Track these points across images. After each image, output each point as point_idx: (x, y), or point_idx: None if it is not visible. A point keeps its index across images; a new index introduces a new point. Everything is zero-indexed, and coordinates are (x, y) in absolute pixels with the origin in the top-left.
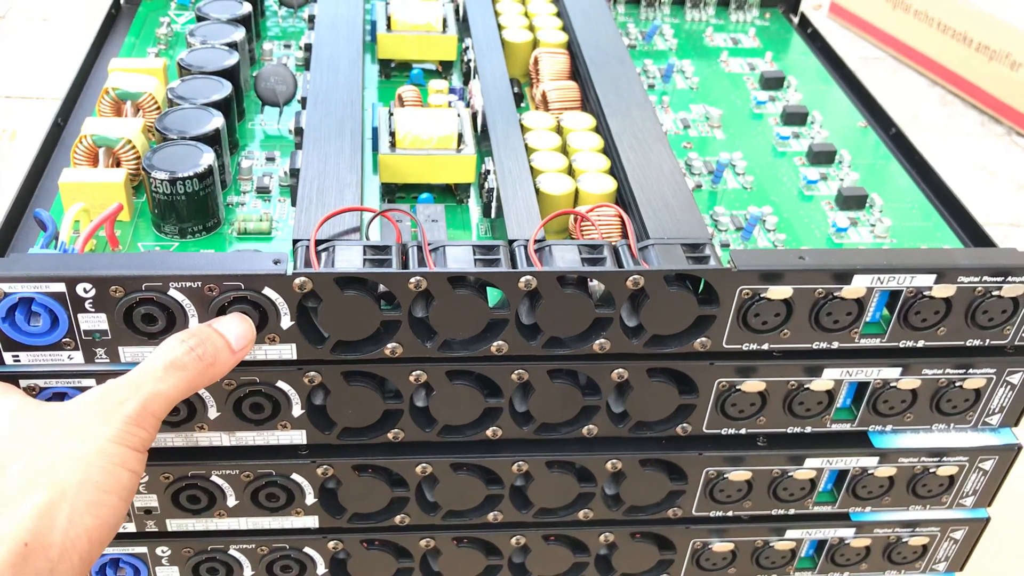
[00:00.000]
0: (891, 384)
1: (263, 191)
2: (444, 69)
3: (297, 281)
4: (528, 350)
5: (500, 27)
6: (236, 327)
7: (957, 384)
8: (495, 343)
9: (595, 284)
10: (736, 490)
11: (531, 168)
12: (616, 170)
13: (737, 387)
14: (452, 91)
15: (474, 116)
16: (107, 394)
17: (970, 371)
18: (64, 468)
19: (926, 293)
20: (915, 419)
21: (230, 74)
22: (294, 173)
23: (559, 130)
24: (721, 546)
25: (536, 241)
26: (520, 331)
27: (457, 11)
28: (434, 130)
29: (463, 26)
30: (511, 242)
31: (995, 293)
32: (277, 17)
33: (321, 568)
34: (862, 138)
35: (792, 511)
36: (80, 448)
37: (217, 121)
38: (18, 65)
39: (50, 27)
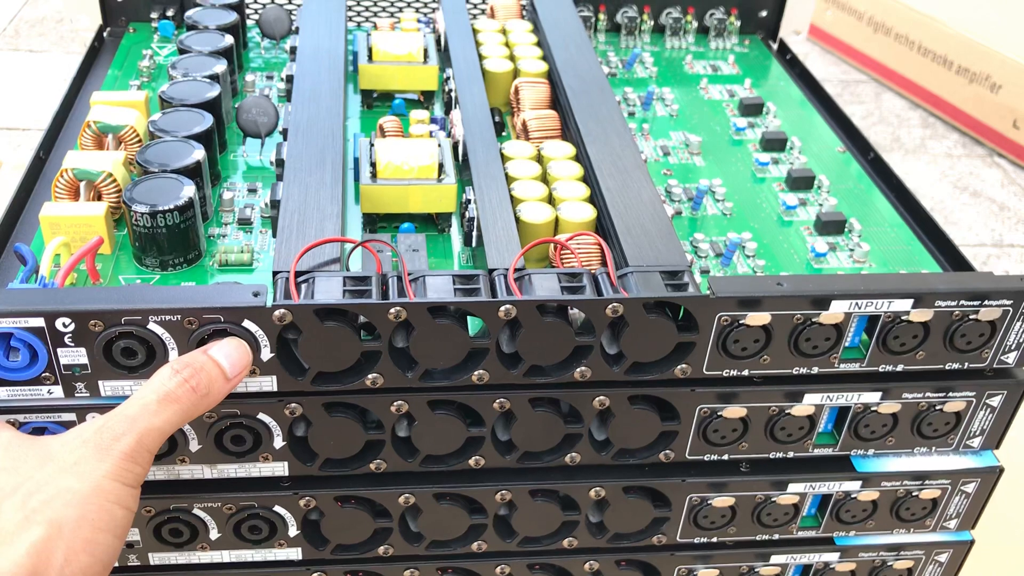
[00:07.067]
0: (872, 408)
1: (244, 223)
2: (426, 99)
3: (277, 313)
4: (509, 379)
5: (481, 57)
6: (231, 352)
7: (937, 407)
8: (476, 372)
9: (575, 312)
10: (720, 516)
11: (511, 197)
12: (596, 198)
13: (718, 413)
14: (433, 121)
15: (455, 145)
16: (102, 429)
17: (950, 394)
18: (60, 505)
19: (904, 318)
20: (897, 443)
21: (211, 106)
22: (275, 204)
23: (539, 159)
24: (706, 572)
25: (516, 270)
26: (501, 360)
27: (438, 41)
28: (415, 160)
29: (444, 56)
30: (491, 271)
31: (972, 317)
32: (260, 48)
33: None
34: (841, 163)
35: (776, 536)
36: (77, 485)
37: (198, 154)
38: (4, 96)
39: (36, 58)
